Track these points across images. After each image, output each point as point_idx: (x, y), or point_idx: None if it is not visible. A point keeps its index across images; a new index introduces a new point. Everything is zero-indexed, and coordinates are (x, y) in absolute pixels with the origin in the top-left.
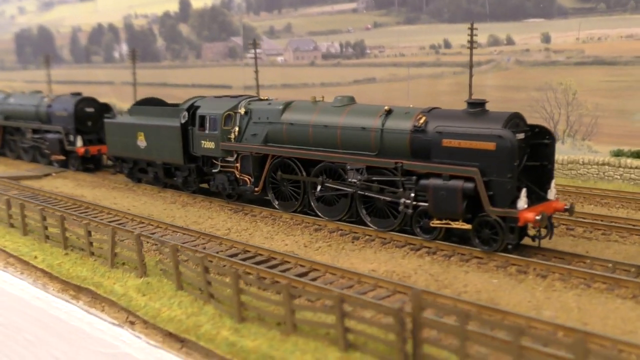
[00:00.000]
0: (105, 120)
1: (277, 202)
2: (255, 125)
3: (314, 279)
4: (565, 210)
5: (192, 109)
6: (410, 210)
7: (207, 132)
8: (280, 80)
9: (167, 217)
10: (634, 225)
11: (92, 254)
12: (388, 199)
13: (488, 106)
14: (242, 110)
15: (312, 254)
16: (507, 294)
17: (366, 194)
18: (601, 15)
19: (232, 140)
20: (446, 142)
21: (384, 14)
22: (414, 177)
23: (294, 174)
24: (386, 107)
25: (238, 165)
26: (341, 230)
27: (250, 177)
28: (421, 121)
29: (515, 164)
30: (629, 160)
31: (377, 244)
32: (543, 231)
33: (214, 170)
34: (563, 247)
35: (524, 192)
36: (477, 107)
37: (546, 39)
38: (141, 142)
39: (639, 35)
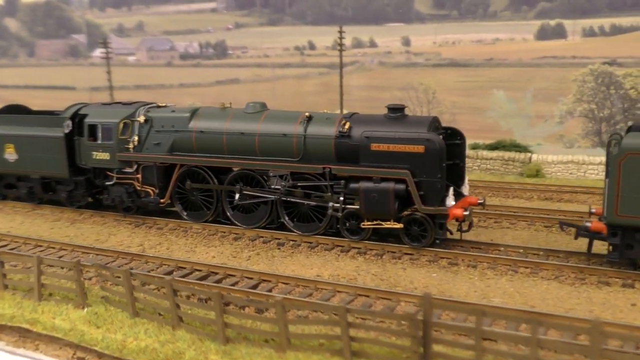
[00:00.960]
0: None
1: (185, 213)
2: (158, 134)
3: (270, 290)
4: (479, 203)
5: (78, 117)
6: (339, 214)
7: (99, 142)
8: (133, 81)
9: (60, 237)
10: (515, 212)
11: (6, 286)
12: (313, 203)
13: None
14: (141, 119)
15: (245, 264)
16: (451, 286)
17: (290, 199)
18: (454, 22)
19: (131, 150)
20: (375, 146)
21: (246, 14)
22: (342, 181)
23: (204, 183)
24: (306, 114)
25: (139, 176)
26: (262, 237)
27: (153, 189)
28: (346, 127)
29: (444, 165)
30: (485, 152)
31: (305, 249)
32: (465, 225)
33: (108, 183)
34: (468, 236)
35: (451, 190)
36: (397, 112)
37: (406, 42)
38: (10, 154)
39: (488, 40)
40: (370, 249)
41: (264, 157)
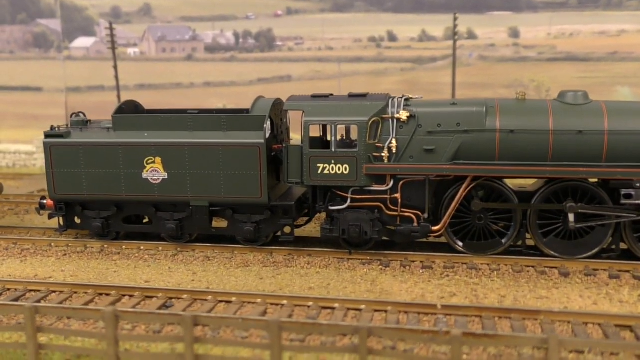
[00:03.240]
0: (46, 139)
1: (461, 244)
2: (430, 136)
3: None
4: None
5: (286, 115)
6: None
7: (334, 149)
8: (136, 78)
9: (302, 290)
10: None
11: None
12: None
13: None
14: (402, 115)
15: None
16: None
17: None
18: (573, 11)
19: (385, 159)
20: None
21: None
22: None
23: (501, 202)
24: None
25: (397, 196)
26: (600, 270)
27: (419, 213)
28: None
29: None
30: None
31: None
32: None
33: (335, 207)
34: None
35: None
36: None
37: (514, 33)
38: (154, 172)
39: (612, 31)
40: None
41: (614, 164)
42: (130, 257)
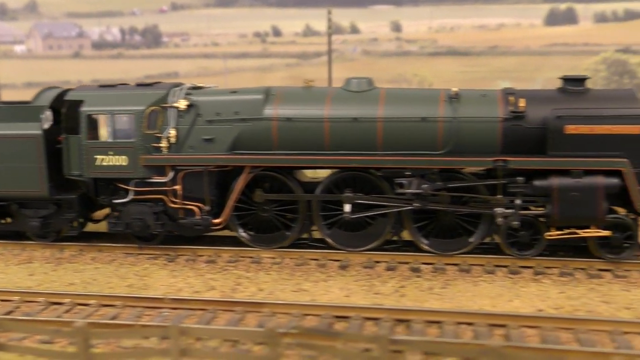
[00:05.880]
0: None
1: (248, 237)
2: (210, 125)
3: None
4: None
5: (68, 106)
6: (516, 222)
7: (110, 140)
8: (23, 77)
9: (63, 286)
10: None
11: None
12: (466, 210)
13: None
14: (181, 104)
15: (406, 301)
16: None
17: (434, 207)
18: (453, 4)
19: (165, 150)
20: (571, 128)
21: None
22: (521, 178)
23: (284, 193)
24: (454, 89)
25: (178, 187)
26: (381, 262)
27: (201, 205)
28: (521, 105)
29: None
30: None
31: (457, 273)
32: None
33: (119, 200)
34: None
35: None
36: (579, 85)
37: (396, 27)
38: None
39: (491, 25)
40: (549, 268)
41: (388, 152)
42: None
